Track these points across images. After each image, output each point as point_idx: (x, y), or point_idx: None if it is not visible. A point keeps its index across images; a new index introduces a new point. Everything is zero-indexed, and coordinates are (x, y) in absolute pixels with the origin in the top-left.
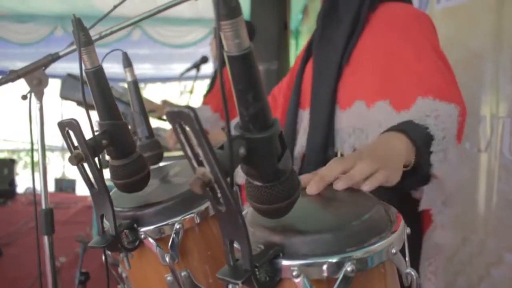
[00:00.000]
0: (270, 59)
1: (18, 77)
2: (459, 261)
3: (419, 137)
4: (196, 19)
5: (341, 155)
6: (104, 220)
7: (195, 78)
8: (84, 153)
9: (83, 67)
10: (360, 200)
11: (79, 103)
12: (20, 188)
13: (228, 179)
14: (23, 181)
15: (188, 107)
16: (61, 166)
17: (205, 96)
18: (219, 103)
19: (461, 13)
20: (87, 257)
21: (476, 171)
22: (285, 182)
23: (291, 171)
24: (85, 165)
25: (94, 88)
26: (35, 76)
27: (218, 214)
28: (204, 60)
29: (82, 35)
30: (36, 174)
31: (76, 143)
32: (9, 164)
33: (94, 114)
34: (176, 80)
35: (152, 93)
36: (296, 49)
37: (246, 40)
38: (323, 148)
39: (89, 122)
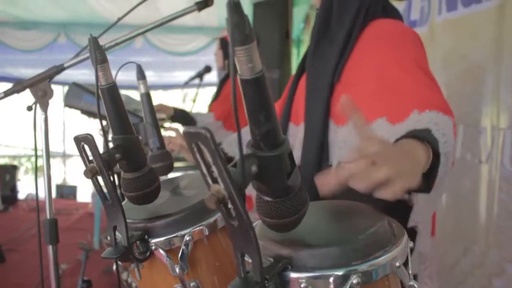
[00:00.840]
0: (271, 67)
1: (23, 89)
2: (460, 271)
3: (436, 149)
4: (198, 28)
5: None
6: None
7: (198, 86)
8: (98, 166)
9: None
10: (365, 213)
11: (83, 111)
12: (21, 194)
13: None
14: (24, 187)
15: (205, 128)
16: (62, 172)
17: (211, 104)
18: (223, 112)
19: (462, 24)
20: (88, 264)
21: (477, 182)
22: (294, 198)
23: (299, 187)
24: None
25: (108, 104)
26: (40, 88)
27: (230, 228)
28: (207, 69)
29: (98, 54)
30: (39, 181)
31: (90, 157)
32: (11, 170)
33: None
34: (178, 87)
35: (154, 100)
36: (297, 57)
37: (259, 64)
38: (318, 162)
39: (103, 137)
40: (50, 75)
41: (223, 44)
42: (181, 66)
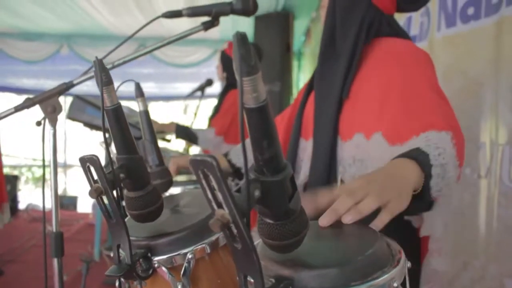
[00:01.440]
0: (272, 80)
1: (33, 104)
2: (460, 286)
3: (427, 163)
4: (200, 40)
5: (342, 183)
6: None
7: (200, 99)
8: (103, 187)
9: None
10: (364, 234)
11: (86, 124)
12: (22, 204)
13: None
14: (25, 197)
15: (210, 156)
16: (62, 183)
17: (211, 119)
18: (223, 127)
19: (460, 41)
20: (88, 275)
21: (477, 197)
22: (295, 221)
23: (300, 210)
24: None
25: (113, 125)
26: (50, 104)
27: (233, 251)
28: (209, 82)
29: (104, 76)
30: (39, 190)
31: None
32: (12, 180)
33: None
34: (178, 99)
35: (155, 111)
36: (298, 70)
37: (263, 94)
38: (326, 177)
39: (105, 149)
40: (59, 91)
41: (223, 57)
42: (182, 77)
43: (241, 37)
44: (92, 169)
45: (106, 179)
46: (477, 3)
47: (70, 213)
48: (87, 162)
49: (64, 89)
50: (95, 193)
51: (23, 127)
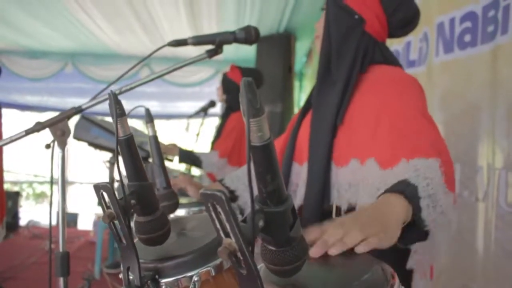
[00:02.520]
0: (274, 101)
1: (43, 128)
2: None
3: (415, 196)
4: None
5: (337, 207)
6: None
7: (202, 120)
8: (116, 212)
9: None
10: (360, 260)
11: (90, 144)
12: (22, 221)
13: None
14: (25, 214)
15: (219, 191)
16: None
17: (213, 142)
18: (226, 149)
19: (458, 66)
20: None
21: (475, 220)
22: (296, 248)
23: (300, 237)
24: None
25: (125, 154)
26: (59, 127)
27: (239, 276)
28: (212, 104)
29: (117, 108)
30: (40, 206)
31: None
32: (13, 196)
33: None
34: (180, 117)
35: (157, 130)
36: (300, 91)
37: (267, 133)
38: (320, 202)
39: (121, 184)
40: (69, 115)
41: (224, 80)
42: (185, 97)
43: (248, 83)
44: (105, 195)
45: (119, 204)
46: (473, 31)
47: (71, 230)
48: (100, 189)
49: (73, 113)
50: (108, 218)
51: (24, 143)
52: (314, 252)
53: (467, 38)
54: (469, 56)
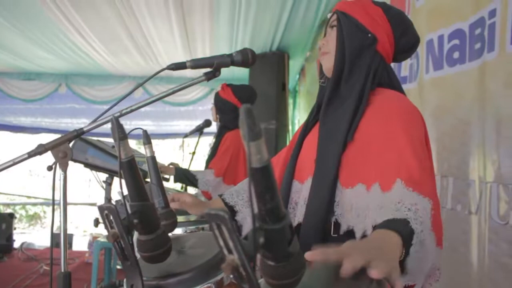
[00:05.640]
0: (269, 118)
1: (46, 150)
2: None
3: (408, 235)
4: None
5: (335, 225)
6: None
7: (198, 139)
8: (119, 232)
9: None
10: (357, 276)
11: (87, 165)
12: (16, 243)
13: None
14: (19, 236)
15: (223, 210)
16: (57, 221)
17: (208, 161)
18: (221, 168)
19: (447, 83)
20: None
21: (468, 233)
22: (294, 262)
23: (298, 252)
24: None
25: (127, 175)
26: (61, 150)
27: None
28: (207, 124)
29: (120, 132)
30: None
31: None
32: (7, 218)
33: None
34: (175, 136)
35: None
36: (293, 108)
37: (266, 155)
38: (324, 217)
39: (124, 204)
40: (70, 138)
41: (217, 99)
42: (179, 115)
43: (247, 109)
44: (110, 216)
45: (122, 224)
46: (461, 48)
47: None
48: (105, 209)
49: (74, 136)
50: (112, 238)
51: (18, 166)
52: (314, 255)
53: (456, 55)
54: (458, 73)
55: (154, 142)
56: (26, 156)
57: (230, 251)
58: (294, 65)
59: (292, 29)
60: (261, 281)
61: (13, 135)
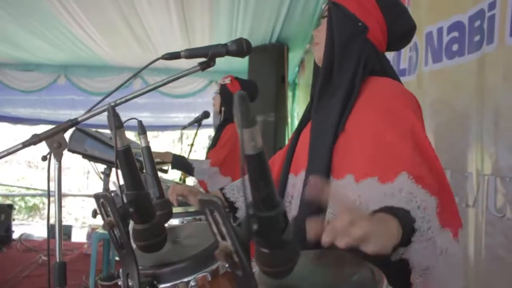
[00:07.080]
0: (267, 111)
1: (40, 140)
2: None
3: (408, 225)
4: None
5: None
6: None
7: (196, 131)
8: (115, 220)
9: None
10: (349, 261)
11: (85, 156)
12: (15, 234)
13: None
14: (18, 227)
15: (216, 197)
16: (54, 211)
17: (208, 151)
18: (218, 159)
19: (446, 75)
20: None
21: (466, 226)
22: (287, 250)
23: (292, 240)
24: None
25: (123, 164)
26: (56, 140)
27: (235, 277)
28: (205, 115)
29: (116, 120)
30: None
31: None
32: (6, 210)
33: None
34: (174, 128)
35: (150, 141)
36: (293, 100)
37: (260, 143)
38: (315, 212)
39: (120, 194)
40: (65, 128)
41: (223, 91)
42: (178, 107)
43: (241, 96)
44: (106, 204)
45: (118, 213)
46: (461, 40)
47: (65, 242)
48: (101, 198)
49: (69, 125)
50: (108, 226)
51: (16, 156)
52: (324, 241)
53: (455, 47)
54: (457, 65)
55: (153, 133)
56: (20, 146)
57: (223, 238)
58: (293, 58)
59: (291, 21)
60: (256, 270)
61: (12, 126)
